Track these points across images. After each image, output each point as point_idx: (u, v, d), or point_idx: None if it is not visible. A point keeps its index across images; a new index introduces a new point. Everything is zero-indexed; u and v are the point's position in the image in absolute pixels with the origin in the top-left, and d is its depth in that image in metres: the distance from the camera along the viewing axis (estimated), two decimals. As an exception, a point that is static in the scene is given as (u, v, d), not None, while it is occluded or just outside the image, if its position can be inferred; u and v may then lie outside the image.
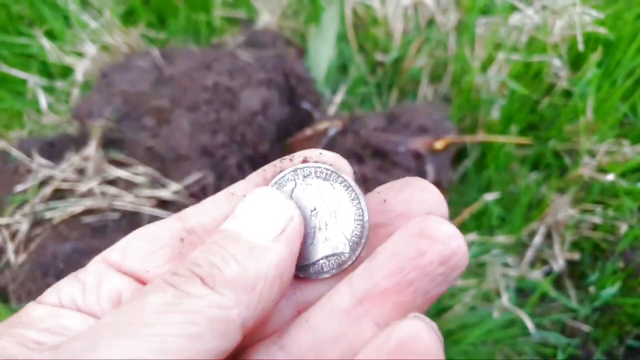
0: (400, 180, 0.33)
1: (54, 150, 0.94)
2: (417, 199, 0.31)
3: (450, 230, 0.28)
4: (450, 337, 0.90)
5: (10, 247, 0.88)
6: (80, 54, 1.13)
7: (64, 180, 0.91)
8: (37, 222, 0.89)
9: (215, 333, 0.25)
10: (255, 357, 0.30)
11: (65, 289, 0.30)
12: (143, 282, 0.31)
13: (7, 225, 0.90)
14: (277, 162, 0.33)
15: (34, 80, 1.11)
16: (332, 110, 1.04)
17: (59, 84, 1.12)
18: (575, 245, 1.00)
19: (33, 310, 0.29)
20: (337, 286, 0.31)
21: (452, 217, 0.97)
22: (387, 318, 0.29)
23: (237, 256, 0.27)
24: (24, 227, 0.88)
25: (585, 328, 0.93)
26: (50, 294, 0.29)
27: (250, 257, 0.27)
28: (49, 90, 1.11)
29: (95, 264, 0.31)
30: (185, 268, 0.27)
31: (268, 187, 0.32)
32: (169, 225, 0.32)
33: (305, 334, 0.30)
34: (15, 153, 0.92)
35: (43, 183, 0.91)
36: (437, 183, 0.93)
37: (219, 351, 0.25)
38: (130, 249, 0.31)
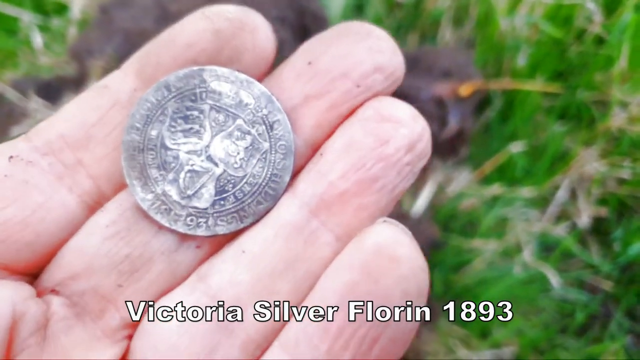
0: (332, 29, 0.25)
1: (51, 91, 0.88)
2: (360, 49, 0.23)
3: (411, 110, 0.23)
4: (467, 293, 0.86)
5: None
6: (76, -10, 1.05)
7: (63, 123, 0.85)
8: (35, 167, 0.84)
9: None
10: (177, 302, 0.23)
11: None
12: None
13: (4, 171, 0.85)
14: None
15: (27, 17, 1.03)
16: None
17: (55, 22, 1.04)
18: (600, 202, 0.95)
19: None
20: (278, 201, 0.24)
21: (474, 168, 0.92)
22: (350, 227, 0.23)
23: None
24: (21, 172, 0.83)
25: (607, 286, 0.90)
26: None
27: None
28: (44, 29, 1.04)
29: None
30: None
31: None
32: (3, 152, 0.24)
33: (243, 271, 0.23)
34: (11, 93, 0.86)
35: (40, 126, 0.85)
36: (460, 133, 0.88)
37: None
38: None
